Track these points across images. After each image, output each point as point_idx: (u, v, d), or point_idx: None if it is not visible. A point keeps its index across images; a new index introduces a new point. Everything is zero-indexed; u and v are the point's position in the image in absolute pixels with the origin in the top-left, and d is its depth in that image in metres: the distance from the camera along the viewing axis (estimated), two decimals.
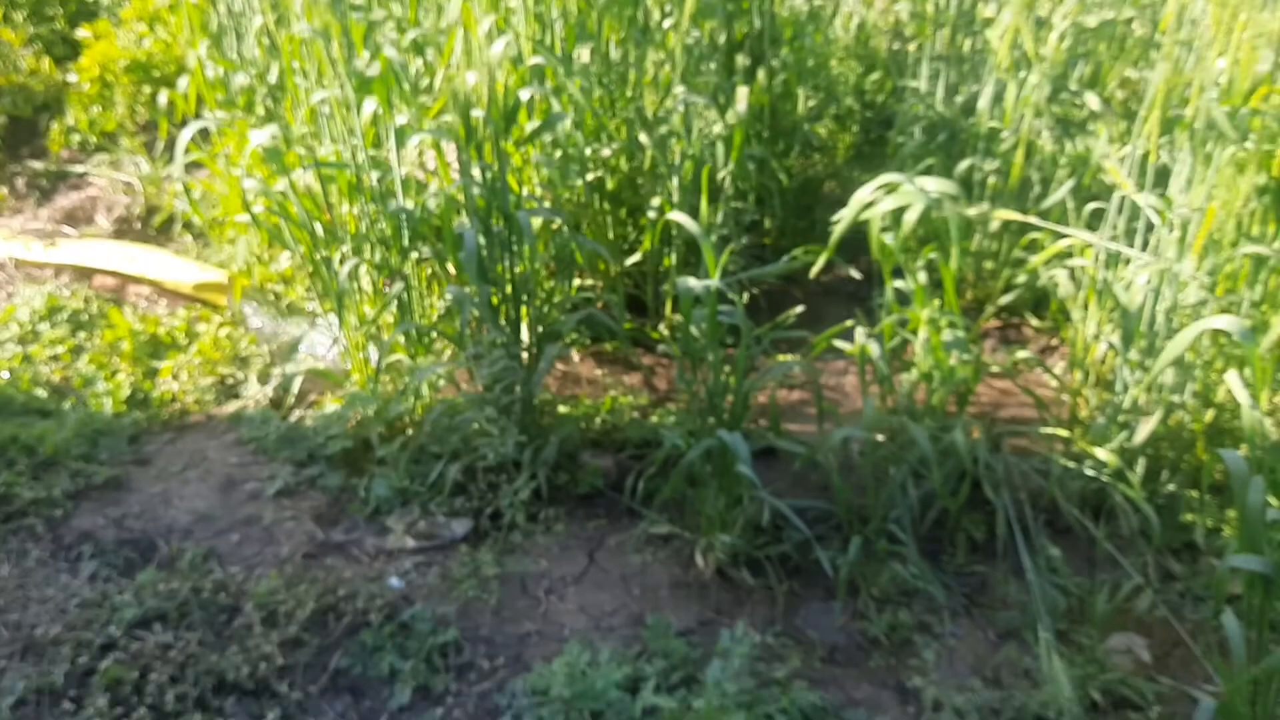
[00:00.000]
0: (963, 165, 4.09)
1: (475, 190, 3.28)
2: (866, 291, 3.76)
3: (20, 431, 3.59)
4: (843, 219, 2.97)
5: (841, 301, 4.34)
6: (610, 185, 4.15)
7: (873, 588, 3.04)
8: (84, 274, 4.65)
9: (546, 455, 3.45)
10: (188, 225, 5.07)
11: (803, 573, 3.14)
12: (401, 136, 3.46)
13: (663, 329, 4.16)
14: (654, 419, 3.79)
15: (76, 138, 5.79)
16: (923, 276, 3.11)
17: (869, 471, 3.18)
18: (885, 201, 2.93)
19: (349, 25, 3.46)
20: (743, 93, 3.87)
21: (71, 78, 5.93)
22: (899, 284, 3.17)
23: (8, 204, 5.48)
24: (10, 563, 3.12)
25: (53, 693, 2.60)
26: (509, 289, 3.44)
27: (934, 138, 4.30)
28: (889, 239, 3.03)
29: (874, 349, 3.15)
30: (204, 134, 4.60)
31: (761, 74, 4.32)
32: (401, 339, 3.76)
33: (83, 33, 6.04)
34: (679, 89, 3.91)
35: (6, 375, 4.00)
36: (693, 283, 3.01)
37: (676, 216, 3.22)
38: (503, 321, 3.47)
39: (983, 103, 4.09)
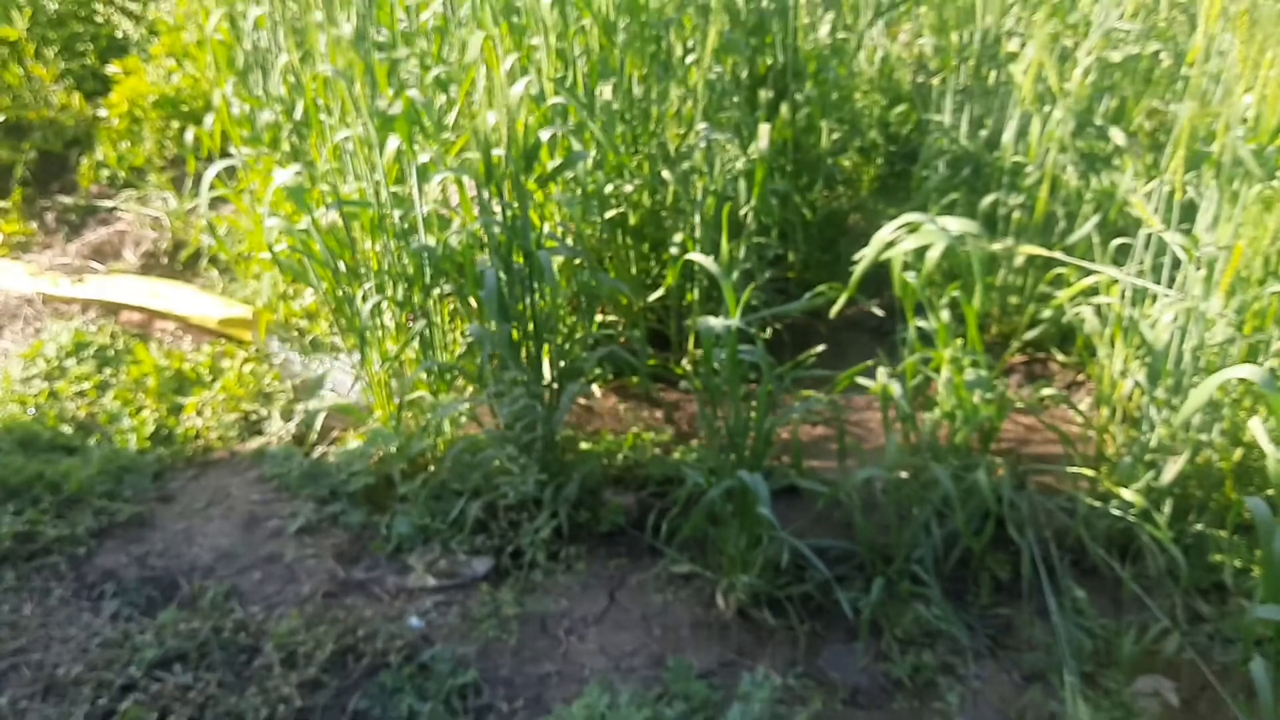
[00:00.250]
0: (987, 200, 4.09)
1: (496, 228, 3.30)
2: (891, 325, 3.76)
3: (45, 468, 3.63)
4: (864, 258, 2.97)
5: (865, 335, 4.33)
6: (633, 221, 4.17)
7: (896, 629, 3.02)
8: (111, 309, 4.71)
9: (568, 493, 3.45)
10: (213, 261, 5.12)
11: (825, 613, 3.12)
12: (424, 174, 3.49)
13: (685, 365, 4.16)
14: (676, 456, 3.79)
15: (106, 173, 5.87)
16: (946, 314, 3.10)
17: (892, 510, 3.17)
18: (907, 241, 2.93)
19: (372, 64, 3.49)
20: (764, 129, 3.88)
21: (101, 113, 6.01)
22: (921, 323, 3.16)
23: (37, 239, 5.56)
24: (33, 601, 3.15)
25: None
26: (530, 326, 3.45)
27: (958, 172, 4.29)
28: (911, 278, 3.03)
29: (896, 388, 3.14)
30: (230, 170, 4.65)
31: (785, 108, 4.33)
32: (424, 376, 3.78)
33: (113, 68, 6.13)
34: (701, 124, 3.93)
35: (33, 411, 4.05)
36: (713, 322, 3.02)
37: (697, 257, 3.23)
38: (524, 359, 3.48)
39: (1007, 137, 4.09)
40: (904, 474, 3.18)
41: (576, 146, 3.80)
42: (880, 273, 3.09)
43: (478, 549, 3.41)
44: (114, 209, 5.66)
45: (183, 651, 2.91)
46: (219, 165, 3.94)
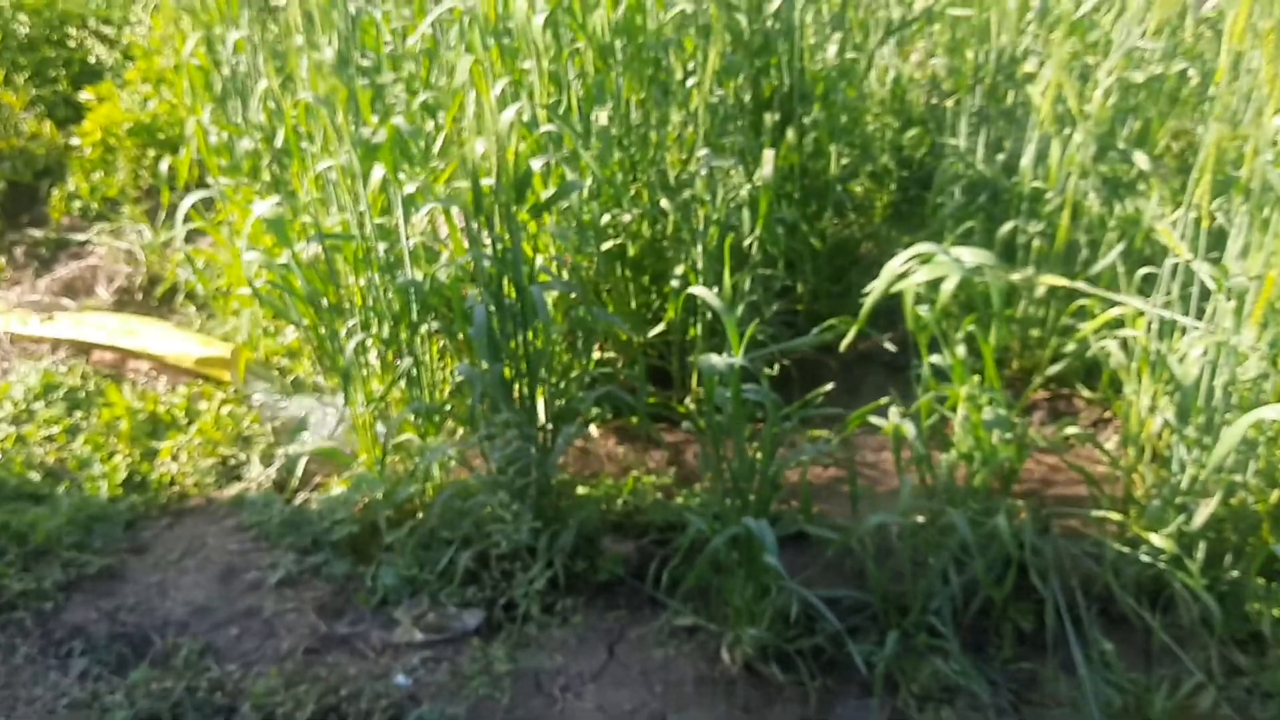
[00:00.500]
0: (1006, 227, 4.09)
1: (486, 262, 3.30)
2: (904, 360, 3.75)
3: (11, 518, 3.62)
4: (874, 291, 2.97)
5: (878, 370, 4.33)
6: (631, 252, 4.18)
7: (912, 684, 3.00)
8: (82, 349, 4.71)
9: (563, 542, 3.44)
10: (190, 296, 5.13)
11: (837, 668, 3.10)
12: (410, 205, 3.51)
13: (688, 404, 4.15)
14: (679, 500, 3.78)
15: (78, 204, 5.89)
16: (962, 350, 3.10)
17: (907, 558, 3.15)
18: (919, 272, 2.93)
19: (355, 90, 3.51)
20: (769, 155, 3.88)
21: (74, 141, 6.04)
22: (936, 359, 3.16)
23: (5, 274, 5.58)
24: None
25: None
26: (523, 365, 3.45)
27: (975, 198, 4.30)
28: (924, 311, 3.02)
29: (910, 429, 3.13)
30: (208, 201, 4.67)
31: (791, 132, 4.35)
32: (411, 417, 3.78)
33: (86, 95, 6.17)
34: (703, 150, 3.94)
35: None
36: (716, 360, 3.01)
37: (699, 291, 3.23)
38: (516, 400, 3.47)
39: (1025, 161, 4.09)
40: (919, 519, 3.17)
41: (571, 175, 3.82)
42: (893, 304, 3.09)
43: (468, 601, 3.40)
44: (86, 242, 5.67)
45: (155, 713, 2.89)
46: (195, 196, 3.96)
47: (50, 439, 4.18)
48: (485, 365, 3.32)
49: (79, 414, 4.29)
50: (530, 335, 3.46)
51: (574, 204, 3.89)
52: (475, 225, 3.30)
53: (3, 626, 3.27)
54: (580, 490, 3.79)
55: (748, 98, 4.35)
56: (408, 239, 3.54)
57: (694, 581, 3.19)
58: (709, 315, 4.07)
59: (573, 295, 3.80)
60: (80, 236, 5.73)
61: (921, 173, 5.07)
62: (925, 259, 2.90)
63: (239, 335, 4.66)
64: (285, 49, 4.23)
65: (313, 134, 3.97)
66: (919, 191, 5.00)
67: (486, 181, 3.23)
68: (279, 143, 4.36)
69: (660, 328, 4.19)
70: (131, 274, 5.33)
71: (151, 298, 5.25)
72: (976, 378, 3.09)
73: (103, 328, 4.75)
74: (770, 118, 4.34)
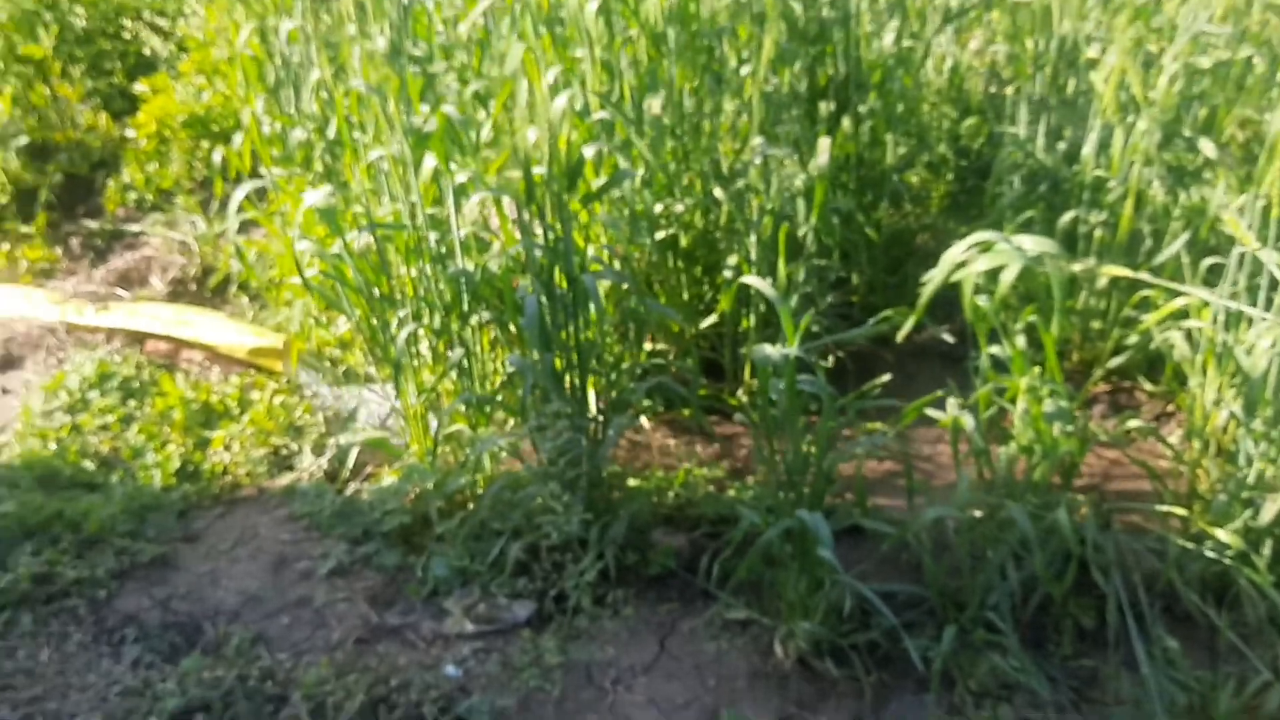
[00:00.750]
0: (1066, 217, 4.03)
1: (537, 251, 3.30)
2: (963, 351, 3.70)
3: (65, 506, 3.66)
4: (932, 281, 2.93)
5: (935, 362, 4.28)
6: (684, 242, 4.15)
7: (970, 680, 2.96)
8: (136, 338, 4.76)
9: (614, 533, 3.43)
10: (243, 287, 5.17)
11: (893, 663, 3.07)
12: (461, 194, 3.50)
13: (741, 395, 4.13)
14: (731, 493, 3.75)
15: (133, 195, 5.96)
16: (1022, 340, 3.05)
17: (965, 553, 3.11)
18: (979, 261, 2.88)
19: (407, 79, 3.51)
20: (824, 143, 3.85)
21: (129, 133, 6.11)
22: (995, 350, 3.11)
23: (61, 265, 5.65)
24: (51, 647, 3.17)
25: None
26: (574, 356, 3.44)
27: (1035, 187, 4.24)
28: (984, 301, 2.98)
29: (968, 421, 3.09)
30: (261, 192, 4.70)
31: (847, 121, 4.31)
32: (461, 408, 3.78)
33: (141, 87, 6.25)
34: (757, 139, 3.91)
35: (54, 446, 4.09)
36: (770, 350, 2.99)
37: (753, 280, 3.20)
38: (567, 390, 3.46)
39: (1087, 149, 4.03)
40: (977, 513, 3.13)
41: (623, 164, 3.80)
42: (951, 296, 3.05)
43: (519, 593, 3.40)
44: (141, 233, 5.73)
45: (206, 701, 2.91)
46: (248, 186, 3.98)
47: (105, 428, 4.23)
48: (536, 355, 3.32)
49: (133, 403, 4.34)
50: (581, 326, 3.45)
51: (626, 193, 3.87)
52: (527, 214, 3.29)
53: (56, 614, 3.31)
54: (631, 483, 3.78)
55: (803, 86, 4.31)
56: (459, 229, 3.54)
57: (746, 574, 3.17)
58: (762, 307, 4.05)
59: (624, 286, 3.78)
60: (135, 227, 5.79)
61: (979, 162, 5.02)
62: (985, 247, 2.86)
63: (291, 326, 4.68)
64: (338, 39, 4.25)
65: (365, 124, 3.98)
66: (977, 182, 4.94)
67: (538, 170, 3.22)
68: (331, 133, 4.38)
69: (713, 319, 4.17)
70: (185, 265, 5.40)
71: (205, 288, 5.30)
72: (1037, 369, 3.04)
73: (157, 318, 4.80)
74: (825, 106, 4.30)
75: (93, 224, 5.88)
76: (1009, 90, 4.74)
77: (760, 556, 3.09)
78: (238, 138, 4.66)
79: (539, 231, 3.32)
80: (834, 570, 2.92)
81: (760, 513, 3.14)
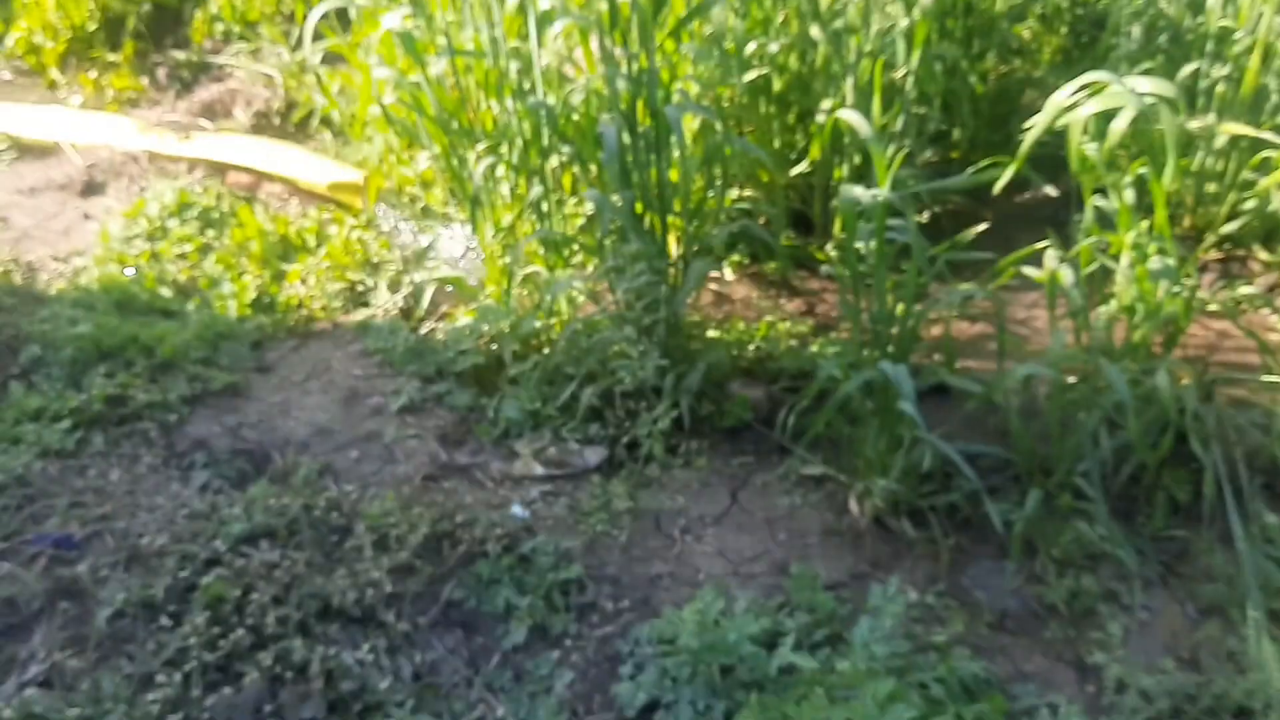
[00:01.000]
0: (1186, 70, 3.76)
1: (620, 83, 3.14)
2: (1064, 215, 3.51)
3: (141, 331, 3.64)
4: (1036, 125, 2.73)
5: (1036, 226, 4.02)
6: (776, 86, 3.95)
7: (1052, 548, 2.84)
8: (218, 169, 4.71)
9: (690, 382, 3.32)
10: (325, 121, 5.07)
11: (972, 527, 2.96)
12: (544, 23, 3.34)
13: (829, 249, 3.97)
14: (813, 349, 3.62)
15: (220, 27, 5.85)
16: (1130, 195, 2.85)
17: (1055, 417, 2.96)
18: (1088, 104, 2.68)
19: None
20: None
21: None
22: (1101, 203, 2.92)
23: (147, 95, 5.60)
24: (122, 468, 3.17)
25: (151, 607, 2.61)
26: (655, 196, 3.30)
27: (1154, 39, 3.97)
28: (1092, 150, 2.78)
29: (1067, 275, 2.91)
30: (346, 23, 4.56)
31: None
32: (539, 248, 3.67)
33: None
34: None
35: (132, 272, 4.07)
36: (859, 192, 2.82)
37: (847, 115, 3.01)
38: (646, 232, 3.33)
39: None
40: (1071, 378, 2.97)
41: None
42: (1058, 156, 2.86)
43: (590, 438, 3.33)
44: (226, 65, 5.64)
45: (271, 528, 2.88)
46: (323, 7, 3.84)
47: (183, 256, 4.19)
48: (615, 193, 3.18)
49: (212, 233, 4.30)
50: (664, 165, 3.29)
51: (717, 28, 3.67)
52: (609, 43, 3.12)
53: (128, 436, 3.29)
54: (711, 334, 3.67)
55: None
56: (540, 59, 3.39)
57: (822, 427, 3.05)
58: (857, 159, 3.86)
59: (713, 124, 3.61)
60: (221, 59, 5.70)
61: (1095, 12, 4.72)
62: (1096, 90, 2.65)
63: (372, 162, 4.59)
64: None
65: None
66: (1092, 34, 4.65)
67: None
68: None
69: (803, 167, 3.99)
70: (269, 98, 5.30)
71: (288, 122, 5.22)
72: (1145, 224, 2.85)
73: (238, 149, 4.73)
74: None
75: (179, 54, 5.80)
76: None
77: (838, 410, 2.97)
78: None
79: (621, 62, 3.16)
80: (915, 426, 2.79)
81: (840, 366, 3.01)
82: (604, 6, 3.10)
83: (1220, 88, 3.75)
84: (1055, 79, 4.51)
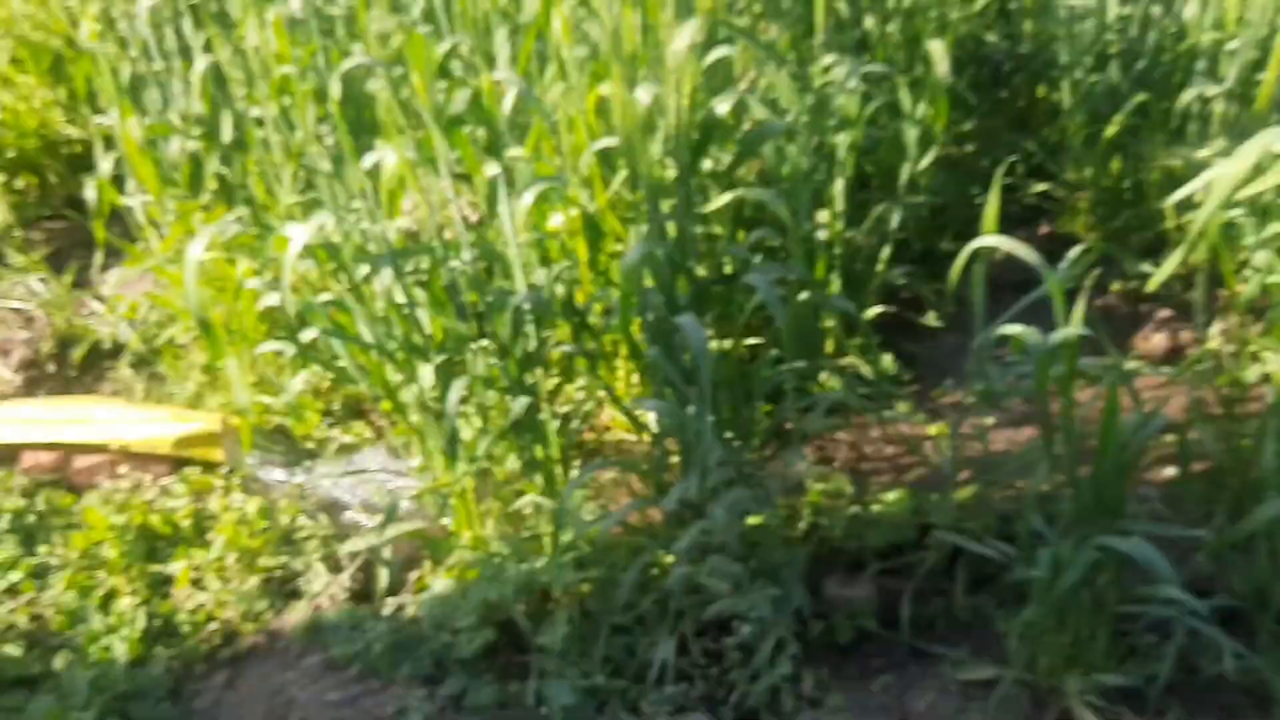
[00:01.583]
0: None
1: (658, 250, 2.37)
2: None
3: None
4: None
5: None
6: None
7: None
8: (5, 456, 3.53)
9: (796, 600, 2.59)
10: (115, 354, 3.98)
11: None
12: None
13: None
14: (875, 509, 2.94)
15: None
16: None
17: None
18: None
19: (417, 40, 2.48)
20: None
21: None
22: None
23: None
24: None
25: None
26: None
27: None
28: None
29: None
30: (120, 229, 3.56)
31: None
32: (536, 478, 2.84)
33: None
34: None
35: None
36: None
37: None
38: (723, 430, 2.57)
39: None
40: None
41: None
42: None
43: (683, 707, 2.53)
44: None
45: None
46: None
47: (13, 592, 3.06)
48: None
49: (41, 549, 3.17)
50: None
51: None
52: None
53: None
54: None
55: None
56: (515, 240, 2.57)
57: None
58: None
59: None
60: None
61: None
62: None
63: (217, 399, 3.59)
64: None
65: (293, 117, 2.95)
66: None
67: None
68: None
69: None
70: (32, 339, 4.09)
71: (68, 366, 4.04)
72: None
73: (30, 421, 3.57)
74: None
75: None
76: None
77: (1051, 609, 2.32)
78: (103, 162, 3.47)
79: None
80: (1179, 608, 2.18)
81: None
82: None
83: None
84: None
